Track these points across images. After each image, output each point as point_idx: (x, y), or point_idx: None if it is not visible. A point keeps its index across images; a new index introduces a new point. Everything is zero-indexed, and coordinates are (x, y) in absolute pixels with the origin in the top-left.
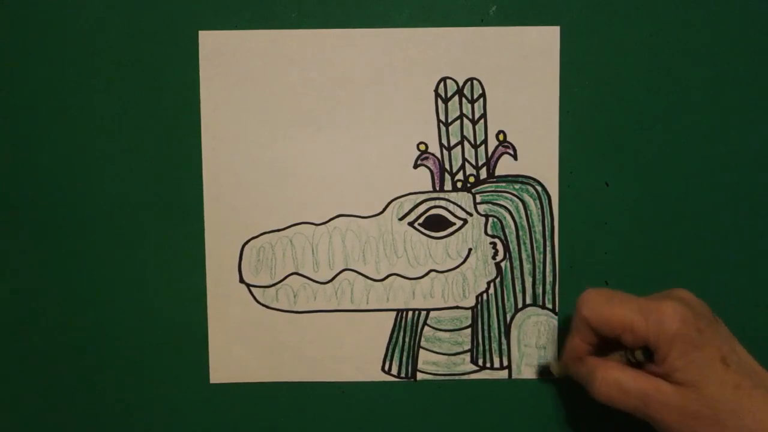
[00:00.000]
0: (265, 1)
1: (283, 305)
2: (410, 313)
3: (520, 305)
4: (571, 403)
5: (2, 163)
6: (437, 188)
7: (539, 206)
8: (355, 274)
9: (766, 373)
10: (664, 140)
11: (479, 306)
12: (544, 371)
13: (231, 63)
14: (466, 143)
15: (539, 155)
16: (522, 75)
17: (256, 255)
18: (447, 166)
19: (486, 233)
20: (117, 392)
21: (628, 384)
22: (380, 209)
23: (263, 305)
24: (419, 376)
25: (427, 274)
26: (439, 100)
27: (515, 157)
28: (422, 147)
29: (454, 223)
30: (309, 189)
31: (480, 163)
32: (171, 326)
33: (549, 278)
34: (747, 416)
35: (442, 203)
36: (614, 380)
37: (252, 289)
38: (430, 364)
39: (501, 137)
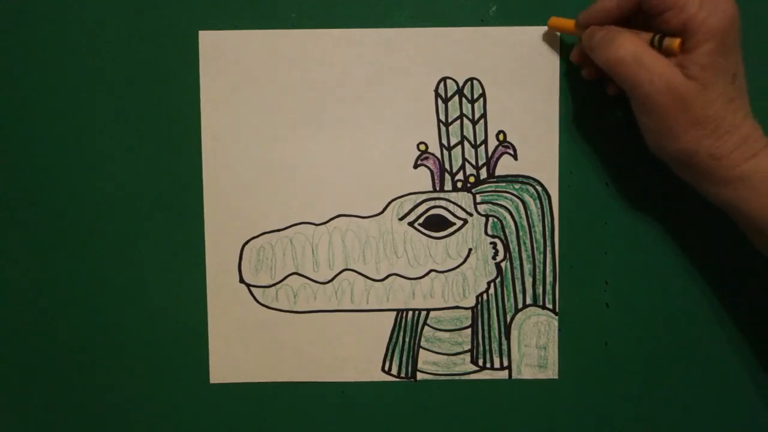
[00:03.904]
0: (265, 1)
1: (283, 305)
2: (410, 313)
3: (520, 305)
4: (571, 403)
5: (2, 163)
6: (437, 188)
7: (539, 206)
8: (355, 274)
9: (748, 103)
10: None
11: (479, 306)
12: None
13: (231, 63)
14: (466, 143)
15: (539, 155)
16: (522, 75)
17: (256, 255)
18: (447, 166)
19: (486, 233)
20: (117, 392)
21: (645, 58)
22: (380, 209)
23: (263, 305)
24: (419, 376)
25: (427, 274)
26: (439, 100)
27: (515, 157)
28: (422, 147)
29: (454, 223)
30: (309, 189)
31: (480, 163)
32: (171, 326)
33: (549, 278)
34: (725, 124)
35: (442, 203)
36: (633, 49)
37: (252, 289)
38: (430, 364)
39: (501, 137)
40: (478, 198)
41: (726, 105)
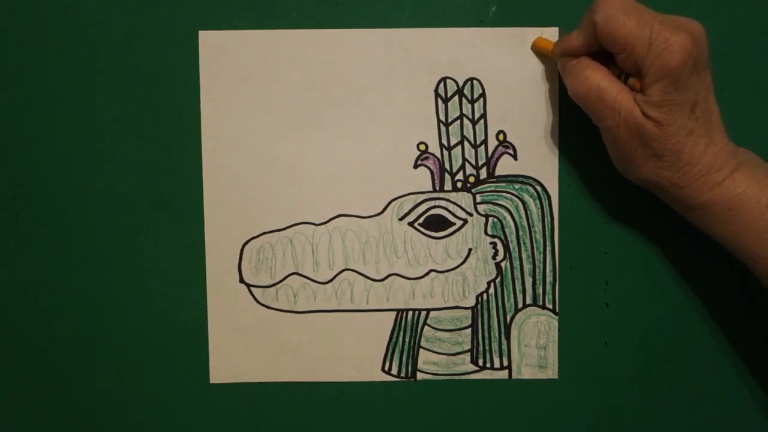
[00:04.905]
0: (265, 1)
1: (283, 305)
2: (410, 313)
3: (520, 305)
4: (571, 403)
5: (2, 163)
6: (437, 188)
7: (539, 206)
8: (355, 274)
9: (718, 126)
10: None
11: (479, 306)
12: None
13: (231, 63)
14: (466, 143)
15: (539, 155)
16: (522, 75)
17: (256, 255)
18: (447, 166)
19: (486, 233)
20: (117, 392)
21: (607, 94)
22: (380, 209)
23: (263, 305)
24: (419, 376)
25: (427, 274)
26: (439, 100)
27: (515, 157)
28: (422, 147)
29: (454, 223)
30: (309, 189)
31: (480, 163)
32: (171, 326)
33: (549, 278)
34: (684, 157)
35: (442, 203)
36: (596, 84)
37: (252, 289)
38: (430, 364)
39: (501, 137)
40: (478, 198)
41: (685, 138)
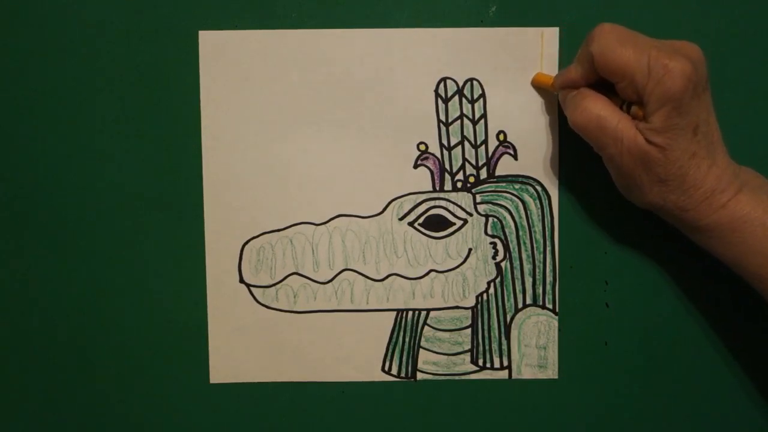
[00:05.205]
0: (265, 1)
1: (283, 305)
2: (410, 313)
3: (520, 305)
4: (571, 403)
5: (2, 163)
6: (437, 188)
7: (539, 206)
8: (355, 274)
9: (720, 147)
10: None
11: (479, 306)
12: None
13: (231, 63)
14: (466, 143)
15: (539, 155)
16: (522, 75)
17: (256, 255)
18: (447, 166)
19: (486, 233)
20: (117, 392)
21: (607, 123)
22: (380, 209)
23: (263, 305)
24: (419, 376)
25: (427, 274)
26: (439, 100)
27: (515, 157)
28: (422, 147)
29: (454, 223)
30: (309, 189)
31: (480, 163)
32: (171, 326)
33: (549, 278)
34: (688, 180)
35: (442, 203)
36: (596, 114)
37: (252, 289)
38: (430, 364)
39: (501, 137)
40: (478, 198)
41: (688, 161)
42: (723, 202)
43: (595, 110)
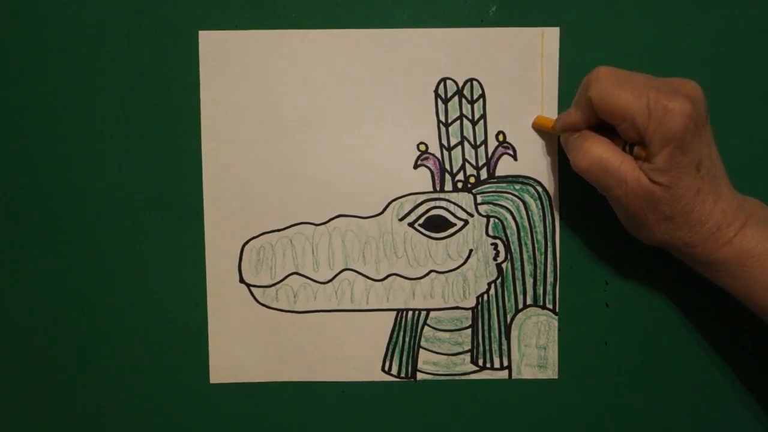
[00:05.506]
0: (265, 1)
1: (283, 305)
2: (410, 313)
3: (520, 306)
4: (571, 403)
5: (2, 163)
6: (437, 188)
7: (540, 207)
8: (355, 274)
9: (723, 180)
10: None
11: (480, 306)
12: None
13: (231, 63)
14: (466, 144)
15: (539, 156)
16: (522, 75)
17: (256, 255)
18: (447, 167)
19: (487, 234)
20: (117, 392)
21: (610, 164)
22: (380, 209)
23: (263, 305)
24: (419, 376)
25: (427, 274)
26: (439, 101)
27: (515, 157)
28: (422, 147)
29: (455, 224)
30: (309, 189)
31: (480, 164)
32: (171, 326)
33: (550, 279)
34: (694, 216)
35: (443, 203)
36: (598, 156)
37: (252, 289)
38: (430, 364)
39: (501, 138)
40: (479, 198)
41: (693, 198)
42: (730, 236)
43: (597, 152)
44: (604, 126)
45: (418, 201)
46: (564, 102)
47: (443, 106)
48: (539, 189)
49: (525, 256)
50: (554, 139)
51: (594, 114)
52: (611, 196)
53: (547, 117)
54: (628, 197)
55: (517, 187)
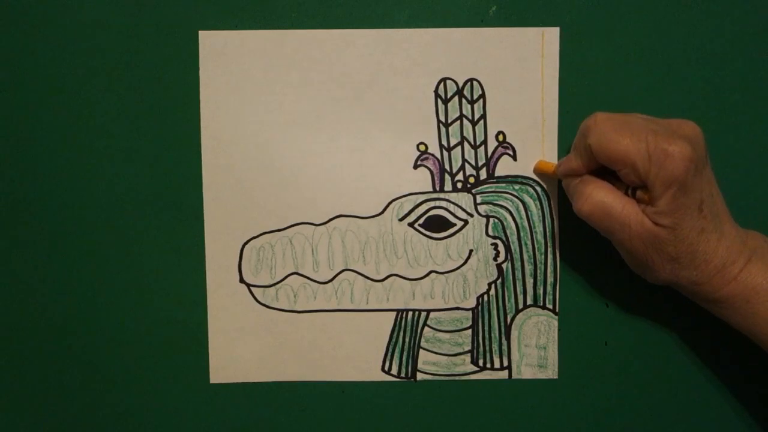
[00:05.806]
0: (265, 1)
1: (283, 305)
2: (410, 314)
3: (520, 306)
4: (571, 403)
5: (2, 163)
6: (437, 189)
7: (540, 207)
8: (355, 274)
9: (725, 216)
10: None
11: (480, 307)
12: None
13: (231, 63)
14: (465, 144)
15: (539, 156)
16: (522, 75)
17: (256, 255)
18: (447, 167)
19: (487, 234)
20: (117, 392)
21: (613, 209)
22: (380, 210)
23: (263, 305)
24: (419, 376)
25: (427, 275)
26: (439, 101)
27: (515, 157)
28: (422, 147)
29: (455, 224)
30: (309, 189)
31: (480, 164)
32: (171, 326)
33: (550, 279)
34: (699, 255)
35: (443, 204)
36: (600, 201)
37: (252, 289)
38: (430, 364)
39: (500, 138)
40: (479, 198)
41: (697, 237)
42: (734, 273)
43: (599, 197)
44: (606, 170)
45: (418, 201)
46: (564, 101)
47: (443, 106)
48: (538, 189)
49: (525, 257)
50: (554, 139)
51: (594, 159)
52: (615, 240)
53: (548, 162)
54: (632, 240)
55: (517, 187)
